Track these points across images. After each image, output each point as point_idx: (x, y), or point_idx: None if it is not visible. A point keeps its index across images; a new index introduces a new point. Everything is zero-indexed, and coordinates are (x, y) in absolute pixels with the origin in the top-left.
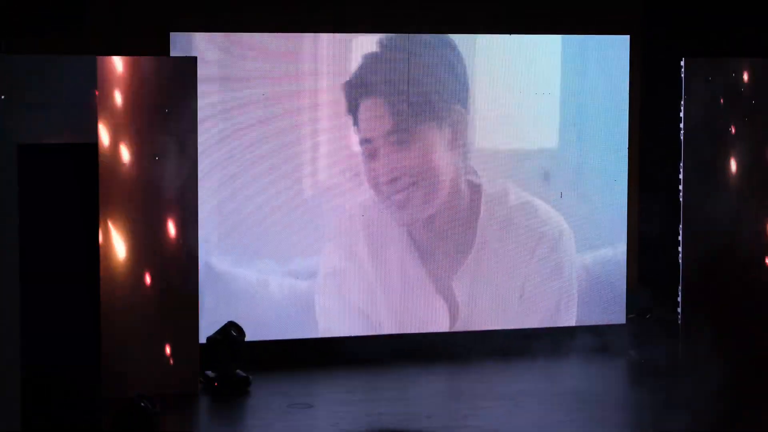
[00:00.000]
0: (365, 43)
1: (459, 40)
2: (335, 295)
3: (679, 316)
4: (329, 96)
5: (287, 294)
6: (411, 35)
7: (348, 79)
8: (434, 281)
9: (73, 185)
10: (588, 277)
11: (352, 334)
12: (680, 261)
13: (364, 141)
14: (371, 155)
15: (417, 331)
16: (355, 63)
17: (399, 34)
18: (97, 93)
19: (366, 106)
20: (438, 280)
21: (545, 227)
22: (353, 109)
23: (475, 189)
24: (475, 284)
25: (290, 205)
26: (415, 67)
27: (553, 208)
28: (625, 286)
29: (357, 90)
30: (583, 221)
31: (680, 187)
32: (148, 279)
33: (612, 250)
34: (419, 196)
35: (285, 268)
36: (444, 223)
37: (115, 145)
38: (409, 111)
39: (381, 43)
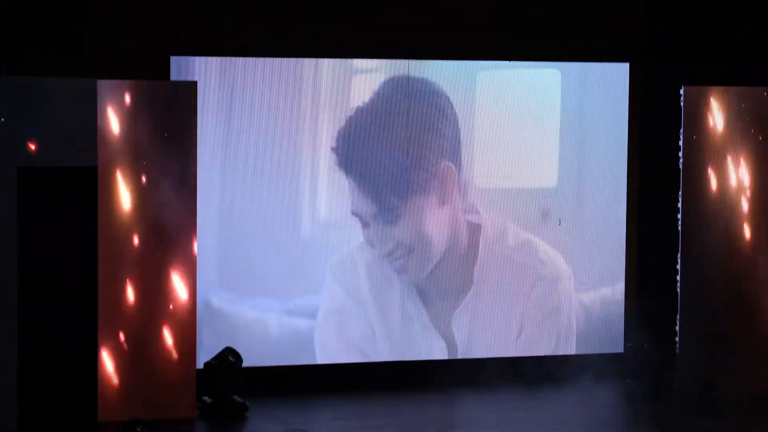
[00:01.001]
0: (362, 89)
1: (458, 72)
2: (334, 333)
3: (677, 346)
4: (328, 131)
5: (286, 332)
6: (403, 103)
7: (335, 146)
8: (433, 319)
9: (73, 208)
10: (586, 317)
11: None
12: (678, 291)
13: (354, 213)
14: (364, 224)
15: (415, 359)
16: (350, 109)
17: (398, 76)
18: None
19: (351, 185)
20: (436, 319)
21: (544, 267)
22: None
23: (475, 229)
24: (473, 323)
25: (290, 242)
26: (400, 135)
27: (552, 247)
28: (623, 326)
29: (344, 157)
30: (582, 259)
31: (679, 216)
32: (145, 304)
33: (611, 290)
34: (417, 259)
35: (284, 306)
36: (443, 265)
37: (113, 169)
38: (394, 186)
39: (368, 110)
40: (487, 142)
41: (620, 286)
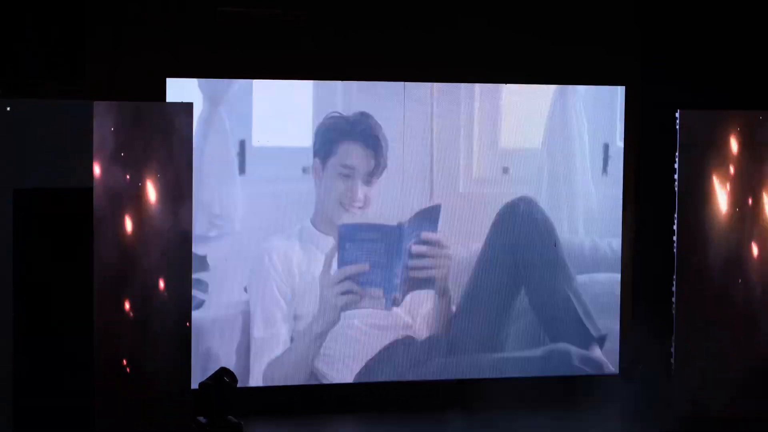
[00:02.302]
0: None
1: (451, 87)
2: (332, 342)
3: (672, 368)
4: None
5: (283, 340)
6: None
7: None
8: (428, 328)
9: (69, 229)
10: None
11: (347, 381)
12: (674, 312)
13: None
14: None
15: (411, 379)
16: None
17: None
18: None
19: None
20: (430, 326)
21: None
22: None
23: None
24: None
25: (284, 251)
26: None
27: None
28: (618, 346)
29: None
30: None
31: (674, 238)
32: (141, 323)
33: (605, 310)
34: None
35: (280, 315)
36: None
37: (110, 190)
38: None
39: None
40: (479, 156)
41: (615, 307)
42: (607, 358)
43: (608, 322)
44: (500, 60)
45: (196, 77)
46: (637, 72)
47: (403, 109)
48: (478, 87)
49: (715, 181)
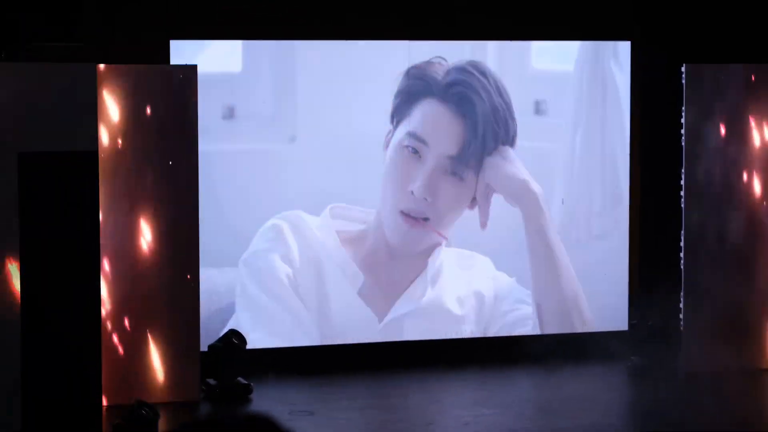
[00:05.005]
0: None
1: (451, 47)
2: (341, 302)
3: (681, 323)
4: (325, 113)
5: (289, 298)
6: None
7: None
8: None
9: (74, 193)
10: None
11: (355, 341)
12: (682, 267)
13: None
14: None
15: (419, 338)
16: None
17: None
18: None
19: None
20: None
21: None
22: None
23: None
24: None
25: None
26: None
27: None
28: (627, 303)
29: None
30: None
31: (682, 193)
32: (149, 286)
33: (615, 268)
34: None
35: (288, 272)
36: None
37: (114, 153)
38: None
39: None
40: None
41: (624, 265)
42: (615, 314)
43: (615, 280)
44: (500, 16)
45: (200, 39)
46: (640, 26)
47: (408, 65)
48: (472, 44)
49: (723, 136)
